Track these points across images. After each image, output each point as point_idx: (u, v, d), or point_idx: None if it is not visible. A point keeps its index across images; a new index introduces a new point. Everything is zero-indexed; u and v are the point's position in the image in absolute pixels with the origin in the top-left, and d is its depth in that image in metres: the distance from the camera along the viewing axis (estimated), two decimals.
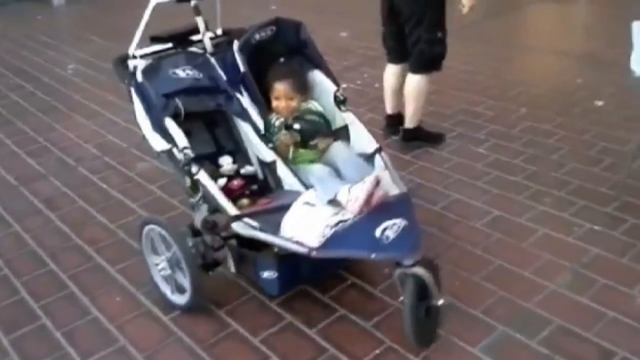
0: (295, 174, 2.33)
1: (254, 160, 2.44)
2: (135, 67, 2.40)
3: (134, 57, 2.45)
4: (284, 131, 2.39)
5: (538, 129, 3.68)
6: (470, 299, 2.35)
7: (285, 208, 2.15)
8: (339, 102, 2.50)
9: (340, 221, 2.03)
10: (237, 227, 2.16)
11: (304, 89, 2.52)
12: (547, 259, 2.58)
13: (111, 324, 2.41)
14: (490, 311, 2.31)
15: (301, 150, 2.41)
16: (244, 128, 2.44)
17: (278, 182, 2.36)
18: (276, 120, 2.45)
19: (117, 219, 3.09)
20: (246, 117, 2.43)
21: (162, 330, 2.37)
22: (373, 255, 2.01)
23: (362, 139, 2.45)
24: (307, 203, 2.13)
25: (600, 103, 3.93)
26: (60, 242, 2.96)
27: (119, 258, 2.77)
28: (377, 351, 2.18)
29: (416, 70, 3.34)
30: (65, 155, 3.84)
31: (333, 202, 2.10)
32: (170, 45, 2.57)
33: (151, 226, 2.43)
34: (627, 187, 2.96)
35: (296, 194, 2.22)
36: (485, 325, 2.25)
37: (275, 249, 2.17)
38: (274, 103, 2.48)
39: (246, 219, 2.16)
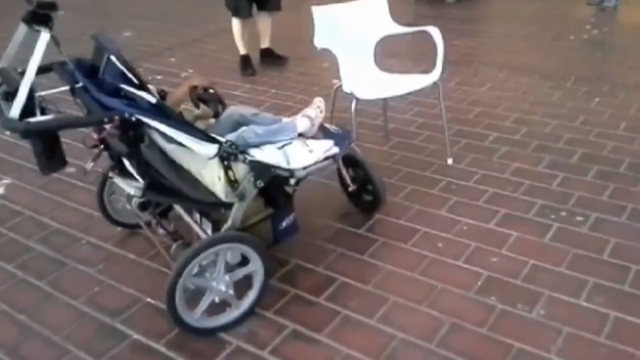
0: None
1: None
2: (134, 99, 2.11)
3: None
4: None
5: None
6: None
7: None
8: (163, 97, 2.52)
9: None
10: (302, 173, 2.37)
11: None
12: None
13: None
14: None
15: None
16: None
17: None
18: None
19: None
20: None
21: None
22: (347, 142, 2.61)
23: None
24: (283, 146, 2.36)
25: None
26: None
27: None
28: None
29: (275, 11, 4.96)
30: None
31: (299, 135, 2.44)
32: None
33: (226, 245, 2.26)
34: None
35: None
36: None
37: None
38: None
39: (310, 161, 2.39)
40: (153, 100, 2.08)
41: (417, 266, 2.60)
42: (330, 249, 2.74)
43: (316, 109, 2.56)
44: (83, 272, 2.68)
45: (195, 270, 2.23)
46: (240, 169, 2.26)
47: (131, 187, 2.28)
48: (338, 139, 2.55)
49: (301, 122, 2.48)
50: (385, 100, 3.59)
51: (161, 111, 2.11)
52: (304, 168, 2.38)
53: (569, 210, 2.93)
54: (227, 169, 2.22)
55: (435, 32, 3.14)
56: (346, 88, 3.07)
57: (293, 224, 2.57)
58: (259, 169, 2.29)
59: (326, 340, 2.24)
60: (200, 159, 2.21)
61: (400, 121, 3.93)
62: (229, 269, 2.31)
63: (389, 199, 3.08)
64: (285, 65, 5.10)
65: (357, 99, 3.02)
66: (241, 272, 2.34)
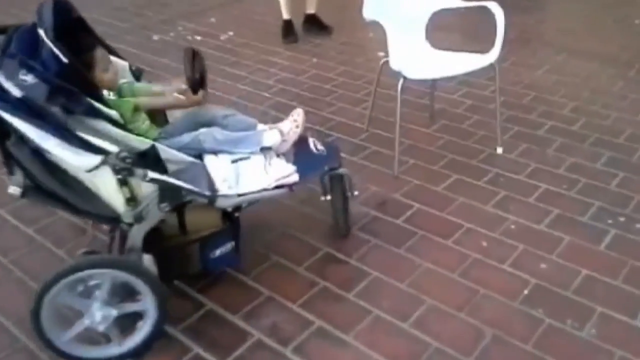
0: (178, 148, 2.06)
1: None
2: None
3: None
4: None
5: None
6: None
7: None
8: (137, 77, 2.34)
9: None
10: (229, 201, 2.07)
11: None
12: None
13: None
14: None
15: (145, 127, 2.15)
16: (100, 126, 1.86)
17: (163, 166, 1.99)
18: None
19: None
20: (97, 112, 1.86)
21: None
22: (326, 168, 2.31)
23: None
24: (238, 160, 2.12)
25: None
26: None
27: None
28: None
29: None
30: None
31: (263, 149, 2.18)
32: None
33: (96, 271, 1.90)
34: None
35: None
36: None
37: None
38: (104, 76, 2.06)
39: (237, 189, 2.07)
40: (18, 94, 1.71)
41: (458, 266, 2.39)
42: (364, 239, 2.55)
43: (292, 123, 2.28)
44: None
45: (80, 288, 1.92)
46: (144, 186, 1.94)
47: (11, 186, 1.89)
48: (310, 162, 2.24)
49: (268, 136, 2.21)
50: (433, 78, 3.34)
51: (28, 108, 1.74)
52: (240, 195, 2.06)
53: (628, 216, 2.67)
54: (121, 183, 1.90)
55: (496, 7, 2.85)
56: (394, 65, 2.83)
57: (230, 254, 2.23)
58: (167, 189, 1.96)
59: (354, 342, 2.07)
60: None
61: (447, 102, 3.67)
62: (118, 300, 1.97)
63: (431, 188, 2.88)
64: (329, 35, 4.86)
65: (405, 78, 2.79)
66: (129, 307, 1.98)
